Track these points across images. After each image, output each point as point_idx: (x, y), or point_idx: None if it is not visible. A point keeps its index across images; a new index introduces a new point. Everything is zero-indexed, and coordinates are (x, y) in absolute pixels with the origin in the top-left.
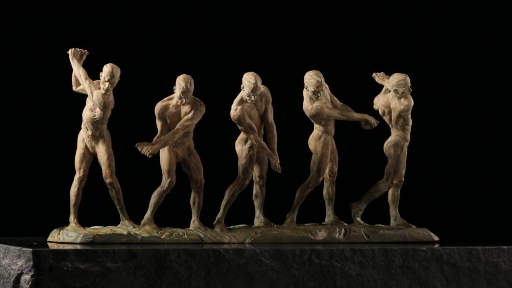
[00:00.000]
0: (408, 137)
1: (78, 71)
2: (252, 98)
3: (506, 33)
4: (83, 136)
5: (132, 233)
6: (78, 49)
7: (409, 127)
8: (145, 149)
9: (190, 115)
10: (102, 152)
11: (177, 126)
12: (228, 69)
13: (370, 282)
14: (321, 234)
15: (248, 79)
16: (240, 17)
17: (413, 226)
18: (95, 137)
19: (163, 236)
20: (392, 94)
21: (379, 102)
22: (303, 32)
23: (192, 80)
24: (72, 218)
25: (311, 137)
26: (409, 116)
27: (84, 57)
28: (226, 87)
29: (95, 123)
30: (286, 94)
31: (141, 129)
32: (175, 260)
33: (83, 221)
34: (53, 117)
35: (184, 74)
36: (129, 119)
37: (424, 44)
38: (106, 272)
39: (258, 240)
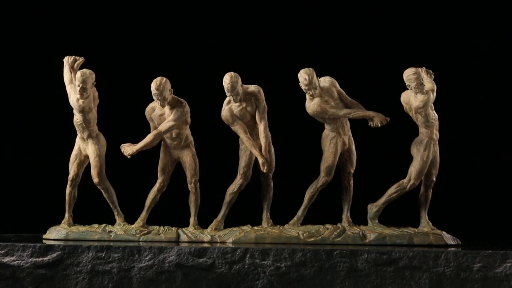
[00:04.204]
0: (434, 135)
1: (64, 76)
2: (233, 97)
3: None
4: (78, 138)
5: (107, 231)
6: (73, 56)
7: (433, 124)
8: (125, 150)
9: (170, 116)
10: (90, 153)
11: (159, 128)
12: (228, 70)
13: (317, 284)
14: (314, 235)
15: (224, 80)
16: (242, 17)
17: (434, 229)
18: (84, 139)
19: (138, 235)
20: (410, 90)
21: (401, 98)
22: (309, 30)
23: (165, 82)
24: (66, 215)
25: (322, 136)
26: (428, 112)
27: (79, 64)
28: None
29: (79, 126)
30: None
31: (144, 130)
32: (96, 256)
33: (90, 219)
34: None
35: (158, 77)
36: (133, 120)
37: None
38: (26, 265)
39: (240, 240)
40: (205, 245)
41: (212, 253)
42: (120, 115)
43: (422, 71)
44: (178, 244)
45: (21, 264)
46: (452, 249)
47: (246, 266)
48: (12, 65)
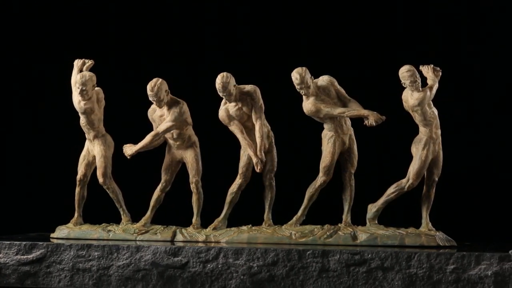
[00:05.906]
0: (434, 134)
1: (72, 78)
2: (226, 98)
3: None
4: (87, 139)
5: (106, 230)
6: (82, 59)
7: (431, 122)
8: (125, 151)
9: (168, 117)
10: (96, 153)
11: (157, 128)
12: (228, 70)
13: (289, 284)
14: (307, 235)
15: (216, 80)
16: (242, 17)
17: (432, 229)
18: (91, 139)
19: (136, 234)
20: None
21: (402, 97)
22: (309, 30)
23: (160, 83)
24: (75, 215)
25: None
26: (425, 110)
27: (89, 67)
28: None
29: (84, 127)
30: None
31: (149, 131)
32: (77, 254)
33: (102, 219)
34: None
35: (153, 79)
36: (139, 120)
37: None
38: (11, 263)
39: (233, 240)
40: (182, 244)
41: (187, 252)
42: (126, 116)
43: (429, 69)
44: (173, 243)
45: (7, 261)
46: (426, 251)
47: (219, 266)
48: (18, 65)
